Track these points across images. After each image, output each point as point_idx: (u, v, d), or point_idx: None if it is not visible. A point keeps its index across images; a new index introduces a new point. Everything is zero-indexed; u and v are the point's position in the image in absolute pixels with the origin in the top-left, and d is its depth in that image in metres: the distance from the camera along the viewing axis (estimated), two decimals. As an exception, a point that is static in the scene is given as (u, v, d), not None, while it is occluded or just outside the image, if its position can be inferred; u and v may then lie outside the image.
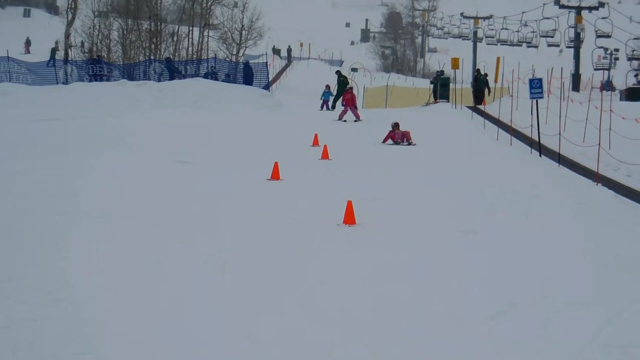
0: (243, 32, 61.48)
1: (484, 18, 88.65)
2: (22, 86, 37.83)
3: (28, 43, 79.07)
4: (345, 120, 31.08)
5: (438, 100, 41.60)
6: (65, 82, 40.84)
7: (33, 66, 44.12)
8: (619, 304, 9.51)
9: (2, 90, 35.31)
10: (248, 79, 43.22)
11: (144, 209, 14.24)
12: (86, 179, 16.89)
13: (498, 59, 40.81)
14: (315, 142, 23.77)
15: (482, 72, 43.29)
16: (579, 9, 67.17)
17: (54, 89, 37.64)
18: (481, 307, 9.33)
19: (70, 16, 47.50)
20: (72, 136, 24.00)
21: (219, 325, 8.58)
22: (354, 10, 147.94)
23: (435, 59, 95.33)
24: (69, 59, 44.47)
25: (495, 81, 41.26)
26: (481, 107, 37.84)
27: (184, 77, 41.90)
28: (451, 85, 41.34)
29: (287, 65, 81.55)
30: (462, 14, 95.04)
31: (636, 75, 67.75)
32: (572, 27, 68.05)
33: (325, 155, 21.34)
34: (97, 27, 52.91)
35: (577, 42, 66.89)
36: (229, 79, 43.76)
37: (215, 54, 53.17)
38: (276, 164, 17.95)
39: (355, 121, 31.50)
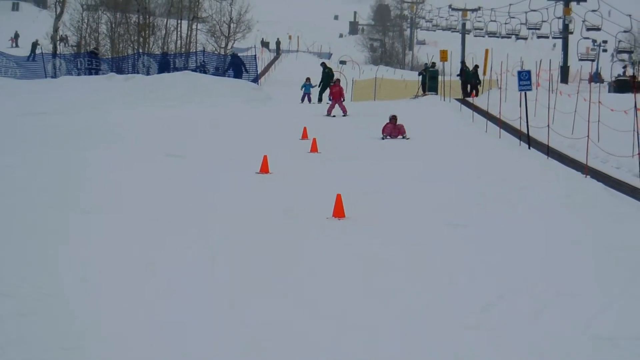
0: (231, 25, 61.44)
1: (472, 10, 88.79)
2: (10, 80, 37.75)
3: (16, 37, 78.92)
4: (334, 116, 30.81)
5: (427, 93, 41.61)
6: (54, 76, 40.77)
7: (21, 60, 44.07)
8: (609, 296, 9.54)
9: (-10, 84, 35.21)
10: (237, 70, 43.16)
11: (134, 202, 14.22)
12: (75, 172, 16.85)
13: (487, 51, 40.96)
14: (305, 136, 23.75)
15: (473, 64, 43.29)
16: (567, 1, 67.26)
17: (43, 82, 37.53)
18: (471, 299, 9.35)
19: (58, 10, 47.41)
20: (61, 130, 23.91)
21: (208, 318, 8.59)
22: (343, 2, 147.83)
23: (423, 51, 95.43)
24: (58, 52, 44.39)
25: (484, 73, 41.31)
26: (470, 99, 37.87)
27: (175, 70, 41.84)
28: (440, 78, 41.34)
29: (275, 58, 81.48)
30: (450, 6, 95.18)
31: (624, 67, 67.90)
32: (560, 18, 68.16)
33: (314, 149, 21.32)
34: (86, 20, 52.82)
35: (565, 34, 67.00)
36: (218, 72, 43.74)
37: (204, 47, 53.12)
38: (265, 157, 17.93)
39: (343, 116, 31.07)
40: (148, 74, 41.35)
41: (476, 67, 42.90)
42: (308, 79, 39.40)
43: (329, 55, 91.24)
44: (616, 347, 8.07)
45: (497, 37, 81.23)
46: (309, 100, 38.52)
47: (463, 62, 45.04)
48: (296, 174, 17.83)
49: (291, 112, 32.89)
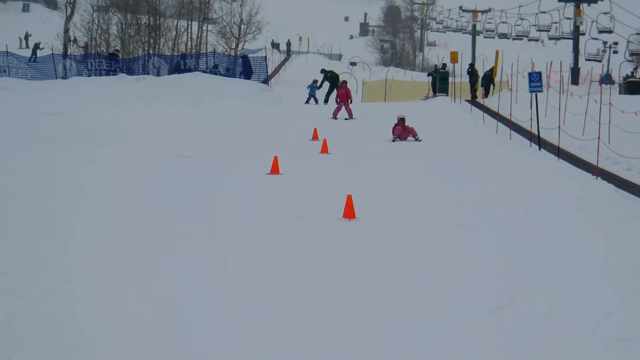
0: (242, 26, 61.53)
1: (483, 12, 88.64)
2: (21, 81, 37.85)
3: (26, 38, 79.11)
4: (337, 119, 30.17)
5: (437, 94, 41.54)
6: (65, 77, 40.87)
7: (23, 61, 44.24)
8: (620, 297, 9.50)
9: (1, 84, 35.30)
10: (247, 72, 43.21)
11: (143, 203, 14.23)
12: (85, 173, 16.89)
13: (497, 52, 40.80)
14: (315, 137, 23.72)
15: (482, 66, 43.17)
16: (577, 2, 67.06)
17: (53, 83, 37.63)
18: (481, 302, 9.32)
19: (69, 11, 47.53)
20: (72, 130, 23.97)
21: (218, 319, 8.58)
22: (353, 4, 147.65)
23: (434, 53, 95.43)
24: (69, 53, 44.48)
25: (495, 75, 41.23)
26: (480, 100, 37.79)
27: (187, 71, 41.85)
28: (450, 79, 41.27)
29: (286, 59, 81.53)
30: (460, 8, 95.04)
31: (635, 69, 67.67)
32: (569, 19, 67.95)
33: (324, 150, 21.29)
34: (96, 21, 52.97)
35: (576, 35, 66.80)
36: (229, 73, 43.79)
37: (215, 49, 53.20)
38: (276, 158, 17.92)
39: (346, 119, 30.23)
40: (158, 75, 41.39)
41: (491, 70, 42.78)
42: (315, 81, 39.26)
43: (340, 57, 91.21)
44: (627, 349, 8.03)
45: (508, 38, 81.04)
46: (316, 101, 38.37)
47: (471, 64, 44.92)
48: (307, 175, 17.81)
49: (301, 113, 32.85)
